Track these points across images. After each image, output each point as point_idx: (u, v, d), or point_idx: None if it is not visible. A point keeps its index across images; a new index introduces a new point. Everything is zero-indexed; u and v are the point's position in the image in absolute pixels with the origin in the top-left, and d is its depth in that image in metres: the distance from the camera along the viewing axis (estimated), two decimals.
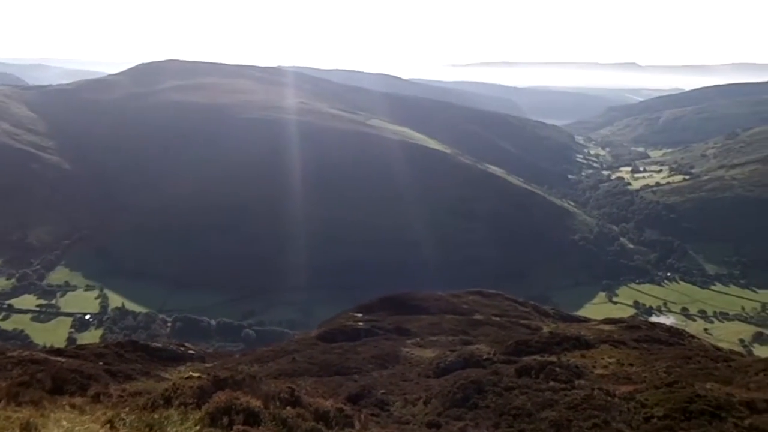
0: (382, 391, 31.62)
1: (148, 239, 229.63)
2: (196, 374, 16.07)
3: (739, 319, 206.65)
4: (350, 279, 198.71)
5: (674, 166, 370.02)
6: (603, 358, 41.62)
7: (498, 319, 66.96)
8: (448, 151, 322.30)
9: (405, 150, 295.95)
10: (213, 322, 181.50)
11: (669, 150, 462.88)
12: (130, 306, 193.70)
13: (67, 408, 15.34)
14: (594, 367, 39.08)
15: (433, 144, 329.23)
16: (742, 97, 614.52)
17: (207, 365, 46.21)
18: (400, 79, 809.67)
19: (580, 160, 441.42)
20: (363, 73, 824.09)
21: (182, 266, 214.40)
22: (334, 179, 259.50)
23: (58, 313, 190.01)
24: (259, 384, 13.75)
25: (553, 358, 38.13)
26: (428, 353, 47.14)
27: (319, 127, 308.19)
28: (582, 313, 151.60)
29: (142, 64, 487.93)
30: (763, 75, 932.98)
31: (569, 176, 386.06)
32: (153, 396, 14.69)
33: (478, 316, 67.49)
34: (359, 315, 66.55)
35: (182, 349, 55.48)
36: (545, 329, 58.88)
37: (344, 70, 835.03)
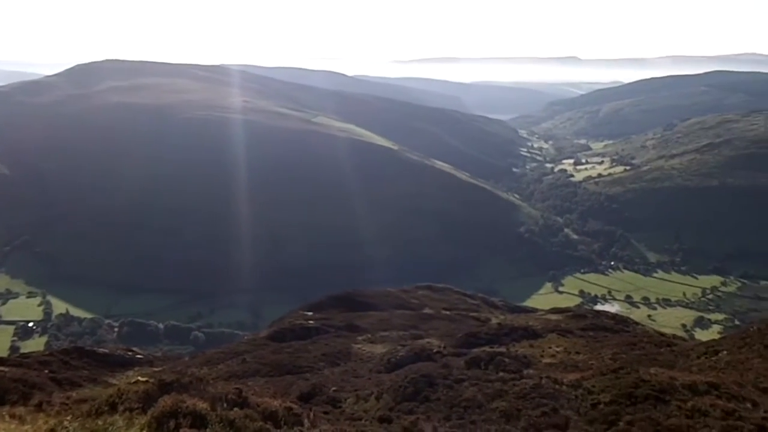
0: (334, 388, 31.55)
1: (91, 244, 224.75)
2: (144, 379, 15.77)
3: (681, 305, 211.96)
4: (299, 279, 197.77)
5: (615, 157, 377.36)
6: (551, 347, 42.27)
7: (447, 312, 67.46)
8: (395, 147, 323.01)
9: (352, 147, 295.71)
10: (161, 326, 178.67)
11: (610, 142, 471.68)
12: (75, 312, 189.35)
13: (8, 418, 14.94)
14: (542, 356, 39.64)
15: (380, 141, 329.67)
16: (679, 89, 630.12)
17: (156, 369, 45.47)
18: (346, 76, 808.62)
19: (525, 154, 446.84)
20: (308, 70, 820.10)
21: (127, 270, 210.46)
22: (280, 178, 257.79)
23: (0, 322, 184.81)
24: (206, 386, 13.56)
25: (502, 349, 38.57)
26: (379, 349, 47.22)
27: (265, 126, 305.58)
28: (529, 303, 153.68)
29: (80, 64, 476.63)
30: (699, 67, 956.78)
31: (514, 170, 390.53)
32: (98, 402, 14.36)
33: (427, 311, 67.89)
34: (309, 314, 66.29)
35: (130, 353, 54.56)
36: (494, 321, 59.55)
37: (289, 68, 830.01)
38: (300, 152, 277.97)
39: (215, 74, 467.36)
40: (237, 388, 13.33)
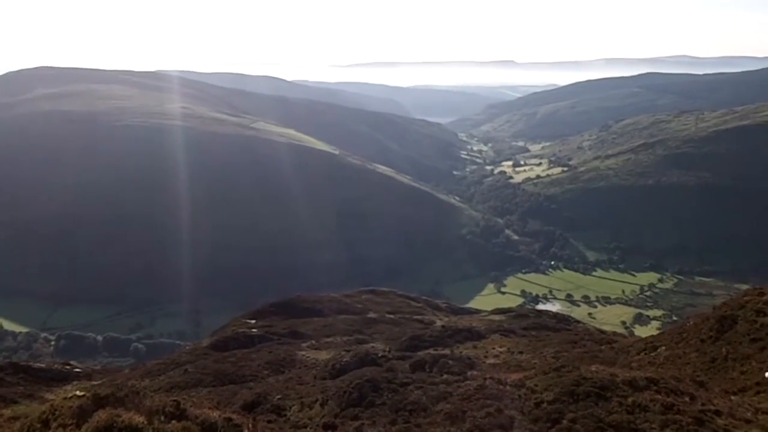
0: (279, 396, 31.12)
1: (23, 255, 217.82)
2: (79, 393, 15.18)
3: (620, 303, 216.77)
4: (242, 286, 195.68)
5: (553, 158, 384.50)
6: (494, 348, 42.59)
7: (392, 316, 67.45)
8: (336, 152, 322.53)
9: (292, 152, 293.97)
10: (99, 338, 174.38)
11: (547, 143, 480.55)
12: (9, 326, 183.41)
13: None
14: (486, 356, 39.90)
15: (320, 145, 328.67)
16: (613, 90, 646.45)
17: (94, 383, 44.23)
18: (285, 81, 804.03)
19: (464, 157, 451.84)
20: (247, 75, 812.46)
21: (63, 281, 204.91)
22: (220, 185, 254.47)
23: None
24: (142, 399, 13.12)
25: (447, 351, 38.64)
26: (324, 355, 46.87)
27: (203, 132, 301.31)
28: (473, 304, 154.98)
29: (10, 72, 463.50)
30: (632, 69, 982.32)
31: (454, 172, 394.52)
32: (29, 420, 13.80)
33: (372, 315, 67.76)
34: (252, 321, 65.43)
35: (67, 367, 53.01)
36: (438, 323, 59.74)
37: (227, 73, 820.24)
38: (240, 158, 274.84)
39: (151, 80, 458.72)
40: (175, 400, 12.94)
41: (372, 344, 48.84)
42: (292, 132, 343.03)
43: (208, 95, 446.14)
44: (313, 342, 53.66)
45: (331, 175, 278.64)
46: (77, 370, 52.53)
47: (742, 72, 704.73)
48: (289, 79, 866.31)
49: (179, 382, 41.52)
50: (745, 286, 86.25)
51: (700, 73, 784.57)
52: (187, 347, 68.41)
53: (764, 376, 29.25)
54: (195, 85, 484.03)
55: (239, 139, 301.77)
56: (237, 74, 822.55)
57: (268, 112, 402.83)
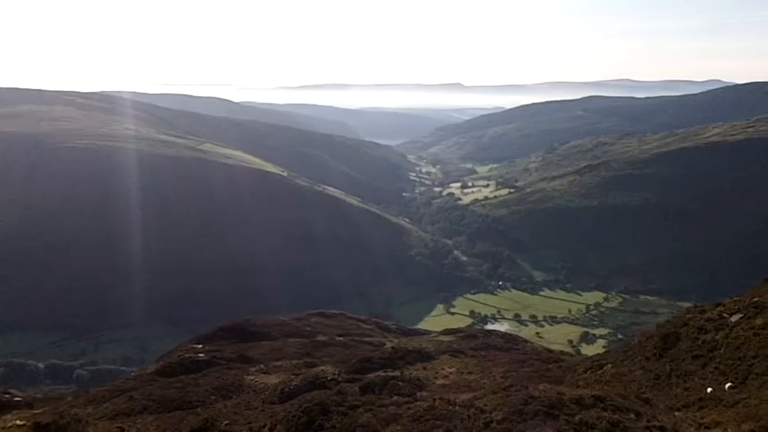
0: (226, 422, 30.65)
1: None
2: (20, 422, 14.81)
3: (567, 322, 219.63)
4: (189, 310, 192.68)
5: (500, 180, 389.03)
6: (444, 369, 42.72)
7: (341, 338, 67.13)
8: (284, 173, 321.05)
9: (241, 174, 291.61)
10: (41, 365, 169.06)
11: (495, 165, 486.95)
12: None
13: None
14: (436, 377, 39.99)
15: (269, 167, 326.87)
16: (558, 113, 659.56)
17: (35, 411, 42.91)
18: (233, 102, 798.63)
19: (414, 178, 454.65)
20: (194, 97, 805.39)
21: (3, 307, 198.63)
22: (168, 208, 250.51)
23: None
24: (85, 427, 12.83)
25: (397, 373, 38.63)
26: (273, 379, 46.35)
27: (150, 155, 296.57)
28: (422, 326, 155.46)
29: None
30: (576, 92, 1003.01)
31: (404, 194, 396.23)
32: None
33: (321, 338, 67.33)
34: (199, 346, 64.35)
35: (7, 396, 51.27)
36: (388, 345, 59.65)
37: (175, 95, 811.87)
38: (187, 180, 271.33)
39: (96, 101, 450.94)
40: (119, 428, 12.68)
41: (321, 367, 48.50)
42: (240, 154, 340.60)
43: (155, 116, 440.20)
44: (262, 366, 53.02)
45: (279, 198, 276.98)
46: (17, 398, 50.81)
47: (682, 96, 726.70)
48: (237, 100, 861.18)
49: (124, 409, 40.56)
50: (687, 304, 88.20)
51: (642, 96, 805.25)
52: (133, 373, 66.99)
53: (706, 392, 29.95)
54: (142, 107, 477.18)
55: (187, 161, 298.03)
56: (184, 95, 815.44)
57: (217, 133, 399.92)
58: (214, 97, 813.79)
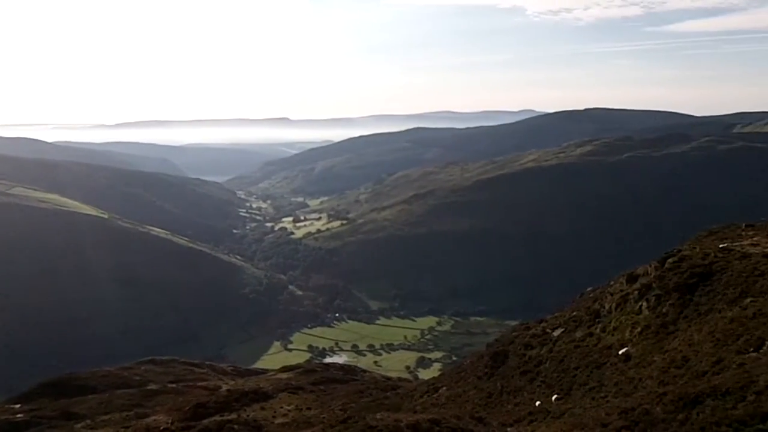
0: None
1: None
2: None
3: (403, 348, 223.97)
4: (5, 368, 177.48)
5: (332, 213, 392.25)
6: (282, 407, 41.92)
7: (174, 385, 64.44)
8: (105, 216, 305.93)
9: (57, 219, 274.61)
10: None
11: (326, 198, 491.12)
12: None
13: None
14: (275, 417, 39.10)
15: (88, 210, 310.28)
16: (384, 145, 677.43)
17: None
18: (45, 143, 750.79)
19: (244, 215, 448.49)
20: (1, 138, 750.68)
21: None
22: None
23: None
24: None
25: (233, 416, 37.41)
26: None
27: None
28: (260, 365, 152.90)
29: None
30: (400, 125, 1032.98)
31: (234, 231, 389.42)
32: None
33: (152, 386, 64.25)
34: (17, 406, 59.35)
35: None
36: (224, 388, 57.92)
37: None
38: None
39: None
40: None
41: (153, 417, 46.24)
42: (56, 197, 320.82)
43: None
44: (89, 422, 49.80)
45: (101, 241, 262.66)
46: None
47: (499, 125, 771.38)
48: (50, 140, 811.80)
49: None
50: (514, 323, 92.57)
51: (462, 126, 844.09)
52: None
53: (535, 406, 31.25)
54: None
55: None
56: None
57: (28, 176, 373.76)
58: (24, 138, 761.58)
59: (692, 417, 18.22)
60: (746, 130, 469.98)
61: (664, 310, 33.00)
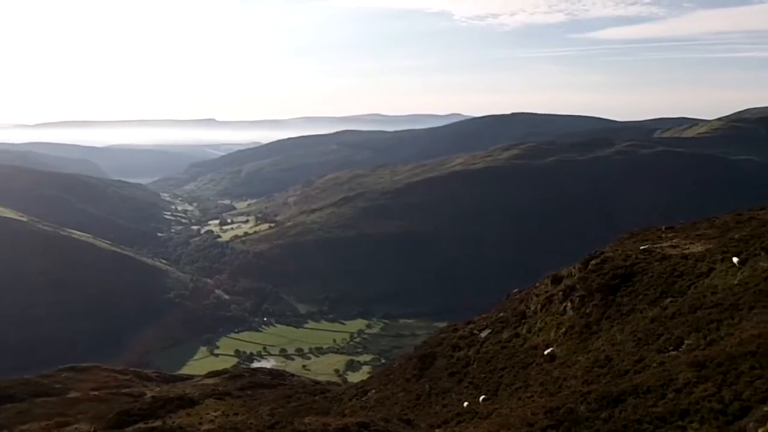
0: None
1: None
2: None
3: (332, 351, 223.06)
4: None
5: (260, 215, 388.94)
6: (209, 413, 41.28)
7: (96, 392, 62.69)
8: (24, 219, 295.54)
9: None
10: None
11: (254, 201, 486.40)
12: None
13: None
14: (201, 423, 38.48)
15: (6, 212, 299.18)
16: (313, 147, 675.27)
17: None
18: None
19: (169, 217, 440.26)
20: None
21: None
22: None
23: None
24: None
25: (158, 423, 36.66)
26: None
27: None
28: (186, 370, 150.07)
29: None
30: (329, 127, 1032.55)
31: (159, 234, 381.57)
32: None
33: (73, 394, 62.38)
34: None
35: None
36: (149, 394, 56.68)
37: None
38: None
39: None
40: None
41: (75, 425, 44.90)
42: None
43: None
44: None
45: (19, 245, 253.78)
46: None
47: (427, 129, 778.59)
48: None
49: None
50: (443, 324, 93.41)
51: (391, 130, 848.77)
52: None
53: (463, 407, 31.58)
54: None
55: None
56: None
57: None
58: None
59: (615, 415, 18.72)
60: (666, 135, 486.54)
61: (587, 311, 33.84)
